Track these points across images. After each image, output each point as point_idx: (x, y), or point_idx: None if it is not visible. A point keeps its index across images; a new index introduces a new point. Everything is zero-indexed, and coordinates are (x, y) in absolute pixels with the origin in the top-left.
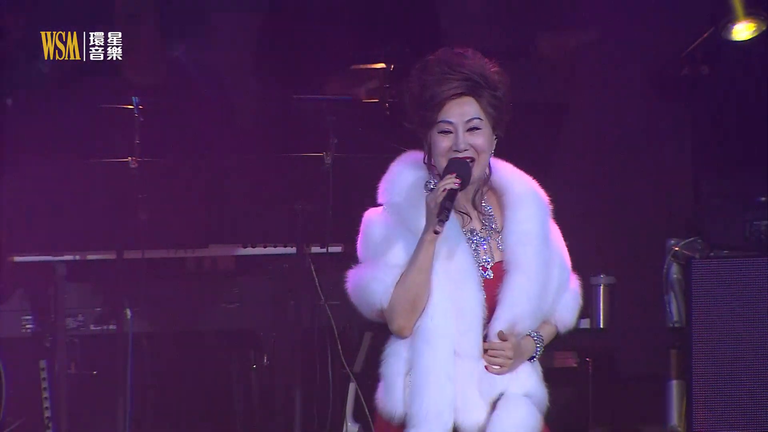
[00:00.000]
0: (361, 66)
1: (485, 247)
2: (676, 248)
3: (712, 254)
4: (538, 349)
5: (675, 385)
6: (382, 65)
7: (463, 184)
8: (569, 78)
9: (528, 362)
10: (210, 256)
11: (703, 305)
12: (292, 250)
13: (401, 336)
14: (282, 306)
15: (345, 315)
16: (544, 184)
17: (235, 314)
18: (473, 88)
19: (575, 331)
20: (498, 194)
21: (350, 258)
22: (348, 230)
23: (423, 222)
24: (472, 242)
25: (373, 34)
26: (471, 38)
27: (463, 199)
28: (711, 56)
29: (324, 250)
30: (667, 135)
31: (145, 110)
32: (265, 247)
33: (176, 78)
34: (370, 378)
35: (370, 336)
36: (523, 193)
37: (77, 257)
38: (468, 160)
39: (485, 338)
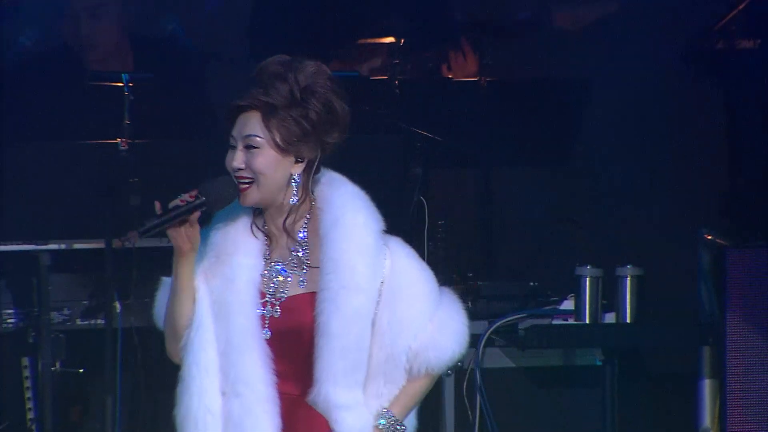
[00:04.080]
0: (368, 40)
1: (283, 279)
2: (709, 237)
3: (748, 243)
4: (398, 429)
5: (707, 384)
6: (390, 39)
7: (207, 207)
8: (590, 53)
9: None
10: None
11: (738, 298)
12: None
13: (175, 362)
14: None
15: None
16: (562, 170)
17: None
18: (262, 105)
19: (599, 327)
20: (323, 224)
21: None
22: None
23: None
24: (270, 271)
25: (381, 5)
26: (484, 10)
27: (270, 222)
28: (749, 28)
29: None
30: (699, 114)
31: (135, 88)
32: None
33: (169, 54)
34: None
35: None
36: (347, 226)
37: (63, 246)
38: (244, 182)
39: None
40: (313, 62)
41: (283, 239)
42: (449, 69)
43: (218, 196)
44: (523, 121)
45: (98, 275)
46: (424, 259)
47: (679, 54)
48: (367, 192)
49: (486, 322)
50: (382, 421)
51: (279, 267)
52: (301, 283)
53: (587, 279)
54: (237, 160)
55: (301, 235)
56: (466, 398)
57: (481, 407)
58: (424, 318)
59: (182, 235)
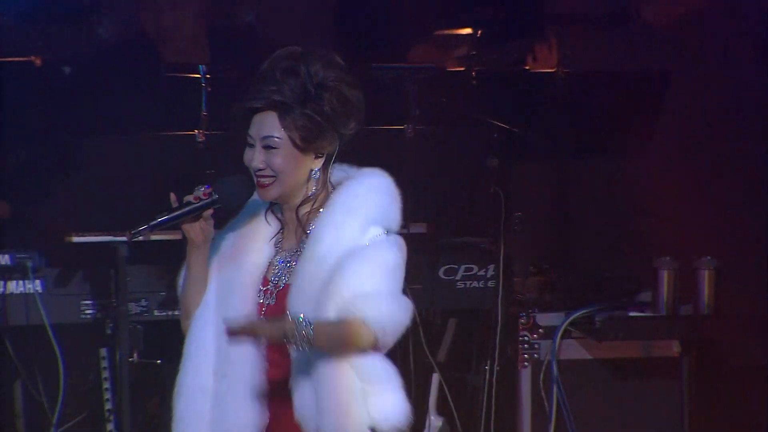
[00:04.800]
0: (446, 31)
1: (287, 268)
2: None
3: None
4: (304, 334)
5: None
6: (468, 30)
7: (220, 206)
8: (675, 46)
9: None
10: None
11: None
12: None
13: None
14: None
15: (428, 300)
16: (644, 159)
17: None
18: (277, 104)
19: (677, 318)
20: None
21: (433, 239)
22: (431, 208)
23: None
24: (278, 259)
25: None
26: (568, 3)
27: (286, 212)
28: None
29: (405, 230)
30: None
31: (212, 79)
32: None
33: (246, 45)
34: (455, 368)
35: (455, 323)
36: (336, 224)
37: (141, 237)
38: (265, 180)
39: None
40: (323, 52)
41: (296, 229)
42: (534, 60)
43: (231, 196)
44: (600, 113)
45: (176, 266)
46: (500, 252)
47: (762, 48)
48: (444, 186)
49: (563, 314)
50: (297, 317)
51: (286, 256)
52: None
53: (665, 271)
54: (256, 160)
55: (312, 225)
56: (542, 390)
57: (557, 399)
58: (365, 280)
59: (195, 229)
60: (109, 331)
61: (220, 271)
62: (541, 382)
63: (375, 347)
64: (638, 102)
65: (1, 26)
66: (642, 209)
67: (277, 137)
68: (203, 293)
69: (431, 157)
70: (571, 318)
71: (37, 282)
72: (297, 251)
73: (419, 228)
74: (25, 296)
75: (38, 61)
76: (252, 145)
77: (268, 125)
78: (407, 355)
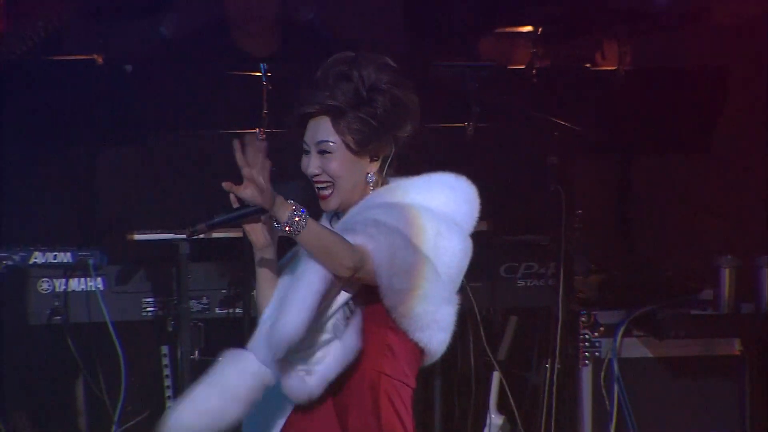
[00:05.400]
0: (507, 29)
1: None
2: None
3: None
4: (296, 221)
5: None
6: (529, 28)
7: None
8: (739, 44)
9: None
10: None
11: None
12: None
13: None
14: None
15: (488, 298)
16: (705, 157)
17: None
18: (330, 109)
19: (738, 316)
20: None
21: (494, 237)
22: (491, 206)
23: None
24: None
25: None
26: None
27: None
28: None
29: None
30: None
31: (274, 78)
32: None
33: (308, 43)
34: (516, 366)
35: (515, 321)
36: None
37: (202, 235)
38: (322, 186)
39: None
40: (375, 56)
41: None
42: (596, 57)
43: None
44: (661, 111)
45: (237, 264)
46: (561, 250)
47: None
48: (505, 183)
49: (624, 312)
50: (298, 205)
51: None
52: None
53: (726, 269)
54: (312, 165)
55: None
56: (603, 388)
57: (618, 397)
58: (380, 213)
59: (257, 231)
60: (170, 329)
61: (283, 272)
62: (602, 381)
63: (355, 271)
64: (700, 100)
65: (63, 24)
66: (703, 207)
67: (332, 142)
68: (272, 294)
69: (492, 155)
70: (633, 316)
71: (99, 279)
72: None
73: (480, 226)
74: (87, 294)
75: (100, 60)
76: (308, 152)
77: (322, 130)
78: (468, 353)
